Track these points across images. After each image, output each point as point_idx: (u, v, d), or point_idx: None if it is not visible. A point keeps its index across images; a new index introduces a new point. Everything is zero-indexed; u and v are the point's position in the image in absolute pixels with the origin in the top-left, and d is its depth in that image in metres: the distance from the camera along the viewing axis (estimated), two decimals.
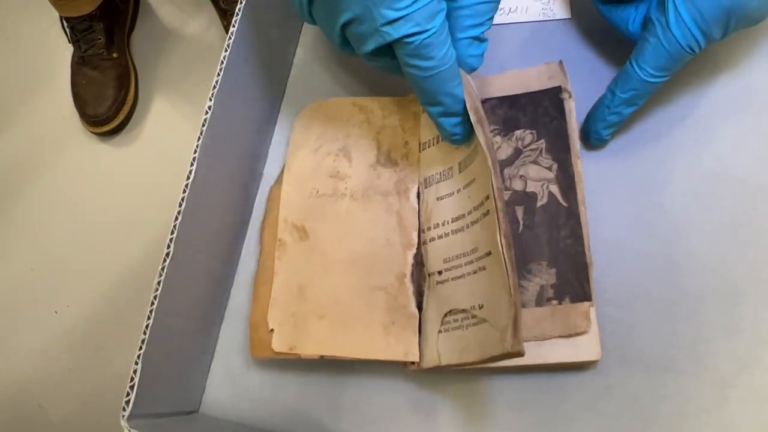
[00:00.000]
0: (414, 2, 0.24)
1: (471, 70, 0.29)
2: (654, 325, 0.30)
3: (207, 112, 0.30)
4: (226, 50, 0.32)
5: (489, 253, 0.27)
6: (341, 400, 0.32)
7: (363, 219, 0.33)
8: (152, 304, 0.27)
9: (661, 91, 0.31)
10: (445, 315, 0.29)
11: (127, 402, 0.25)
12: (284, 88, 0.42)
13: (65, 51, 1.01)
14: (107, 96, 0.95)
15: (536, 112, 0.33)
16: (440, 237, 0.31)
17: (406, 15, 0.24)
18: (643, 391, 0.29)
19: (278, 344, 0.31)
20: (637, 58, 0.30)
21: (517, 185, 0.32)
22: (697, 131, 0.34)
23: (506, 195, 0.32)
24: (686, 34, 0.28)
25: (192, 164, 0.29)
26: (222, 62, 0.31)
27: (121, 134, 0.98)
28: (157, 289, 0.27)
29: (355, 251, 0.32)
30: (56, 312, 0.88)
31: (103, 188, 0.95)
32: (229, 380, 0.34)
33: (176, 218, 0.28)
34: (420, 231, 0.32)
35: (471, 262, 0.28)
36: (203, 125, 0.30)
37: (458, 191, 0.31)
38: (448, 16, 0.27)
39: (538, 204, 0.31)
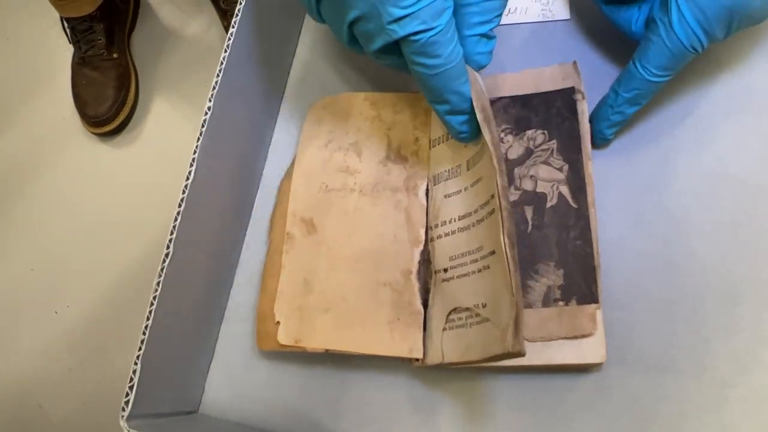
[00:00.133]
0: (420, 0, 0.24)
1: (479, 67, 0.29)
2: (654, 325, 0.30)
3: (206, 113, 0.30)
4: (225, 51, 0.32)
5: (493, 252, 0.27)
6: (341, 400, 0.32)
7: (371, 215, 0.33)
8: (151, 304, 0.27)
9: (662, 91, 0.31)
10: (450, 313, 0.29)
11: (127, 402, 0.26)
12: (284, 88, 0.42)
13: (66, 51, 1.01)
14: (107, 96, 0.95)
15: (549, 112, 0.33)
16: (447, 235, 0.31)
17: (412, 13, 0.24)
18: (643, 391, 0.29)
19: (284, 337, 0.31)
20: (641, 58, 0.30)
21: (527, 185, 0.32)
22: (698, 131, 0.34)
23: (516, 195, 0.32)
24: (689, 34, 0.28)
25: (191, 165, 0.29)
26: (221, 63, 0.31)
27: (122, 135, 0.98)
28: (156, 290, 0.27)
29: (363, 247, 0.32)
30: (56, 312, 0.88)
31: (104, 188, 0.95)
32: (228, 380, 0.34)
33: (175, 219, 0.28)
34: (428, 228, 0.32)
35: (476, 260, 0.28)
36: (202, 126, 0.30)
37: (465, 189, 0.31)
38: (455, 14, 0.27)
39: (548, 205, 0.31)
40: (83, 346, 0.86)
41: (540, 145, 0.32)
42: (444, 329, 0.29)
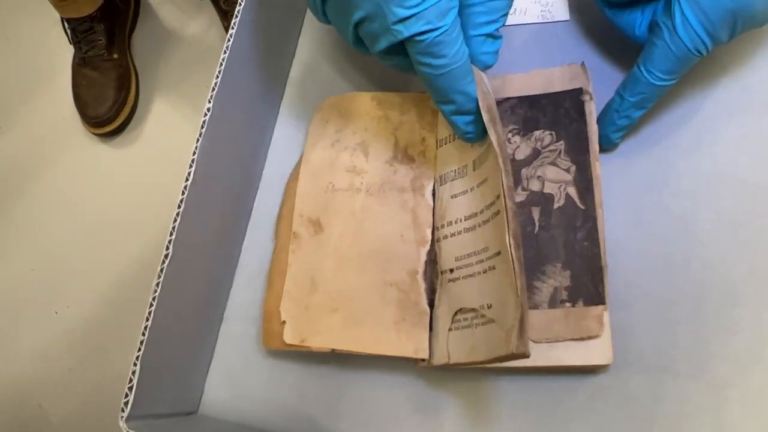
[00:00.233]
0: (425, 0, 0.24)
1: (485, 67, 0.29)
2: (653, 326, 0.30)
3: (206, 114, 0.30)
4: (225, 52, 0.32)
5: (499, 253, 0.27)
6: (342, 400, 0.32)
7: (378, 215, 0.33)
8: (151, 305, 0.27)
9: (665, 93, 0.31)
10: (456, 313, 0.29)
11: (126, 403, 0.26)
12: (283, 89, 0.42)
13: (66, 52, 1.01)
14: (108, 97, 0.95)
15: (556, 113, 0.33)
16: (453, 235, 0.31)
17: (417, 13, 0.24)
18: (642, 392, 0.29)
19: (290, 336, 0.31)
20: (645, 62, 0.30)
21: (535, 186, 0.32)
22: (699, 132, 0.34)
23: (523, 195, 0.32)
24: (693, 37, 0.28)
25: (191, 166, 0.29)
26: (220, 64, 0.31)
27: (122, 135, 0.98)
28: (155, 291, 0.27)
29: (369, 247, 0.32)
30: (56, 312, 0.88)
31: (104, 189, 0.95)
32: (228, 381, 0.34)
33: (175, 220, 0.28)
34: (434, 228, 0.32)
35: (481, 261, 0.28)
36: (202, 127, 0.30)
37: (471, 189, 0.31)
38: (460, 14, 0.27)
39: (555, 205, 0.31)
40: (83, 347, 0.86)
41: (547, 145, 0.32)
42: (450, 330, 0.29)
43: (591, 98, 0.32)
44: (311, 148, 0.36)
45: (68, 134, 1.00)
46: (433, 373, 0.31)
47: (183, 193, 0.29)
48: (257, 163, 0.39)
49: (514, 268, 0.25)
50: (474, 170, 0.31)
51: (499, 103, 0.34)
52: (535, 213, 0.31)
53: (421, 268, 0.31)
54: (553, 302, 0.29)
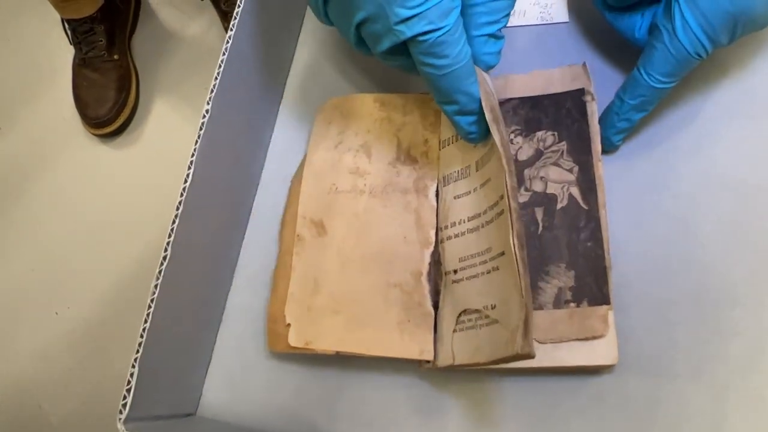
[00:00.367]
0: (427, 0, 0.24)
1: (488, 67, 0.29)
2: (653, 327, 0.30)
3: (204, 116, 0.30)
4: (223, 54, 0.32)
5: (502, 254, 0.27)
6: (342, 402, 0.32)
7: (381, 216, 0.33)
8: (149, 307, 0.27)
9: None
10: (460, 314, 0.29)
11: (124, 405, 0.26)
12: (283, 90, 0.42)
13: (66, 53, 1.01)
14: (108, 98, 0.95)
15: (559, 113, 0.33)
16: (457, 236, 0.31)
17: (420, 13, 0.24)
18: (642, 394, 0.29)
19: (294, 339, 0.31)
20: (645, 65, 0.30)
21: (537, 186, 0.32)
22: (699, 134, 0.34)
23: (526, 196, 0.32)
24: (693, 40, 0.28)
25: (189, 168, 0.29)
26: (219, 66, 0.31)
27: (122, 136, 0.99)
28: (154, 292, 0.27)
29: (373, 248, 0.32)
30: (56, 313, 0.89)
31: (104, 190, 0.95)
32: (227, 383, 0.34)
33: (173, 221, 0.28)
34: (438, 229, 0.32)
35: (485, 261, 0.28)
36: (200, 129, 0.30)
37: (475, 190, 0.31)
38: (462, 14, 0.27)
39: (558, 206, 0.31)
40: (83, 347, 0.86)
41: (550, 146, 0.32)
42: (454, 331, 0.29)
43: (593, 99, 0.32)
44: (314, 150, 0.36)
45: (68, 135, 1.00)
46: (436, 375, 0.31)
47: (181, 194, 0.29)
48: (256, 165, 0.39)
49: (518, 269, 0.25)
50: (477, 171, 0.31)
51: (502, 103, 0.34)
52: (539, 213, 0.31)
53: (425, 270, 0.31)
54: (558, 303, 0.29)
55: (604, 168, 0.31)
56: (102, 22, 0.96)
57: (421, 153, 0.34)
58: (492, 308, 0.27)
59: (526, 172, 0.32)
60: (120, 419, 0.25)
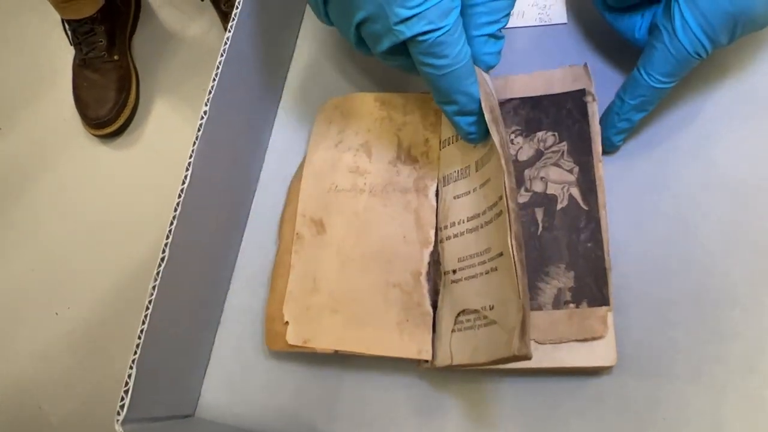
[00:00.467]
0: (426, 0, 0.24)
1: (488, 68, 0.29)
2: (651, 328, 0.30)
3: (202, 117, 0.30)
4: (221, 55, 0.32)
5: (501, 254, 0.27)
6: (341, 402, 0.32)
7: (381, 215, 0.33)
8: (147, 308, 0.27)
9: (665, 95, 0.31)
10: (459, 314, 0.29)
11: (122, 406, 0.26)
12: (281, 90, 0.42)
13: (67, 54, 1.01)
14: (108, 98, 0.95)
15: (559, 114, 0.33)
16: (456, 236, 0.31)
17: (419, 13, 0.24)
18: (641, 395, 0.29)
19: (293, 337, 0.31)
20: (645, 65, 0.30)
21: (538, 187, 0.32)
22: (699, 134, 0.34)
23: (526, 196, 0.32)
24: (693, 40, 0.28)
25: (187, 169, 0.29)
26: (217, 68, 0.32)
27: (122, 136, 0.99)
28: (152, 294, 0.27)
29: (372, 247, 0.32)
30: (57, 313, 0.89)
31: (104, 190, 0.96)
32: (225, 384, 0.34)
33: (171, 223, 0.28)
34: (437, 229, 0.32)
35: (484, 262, 0.28)
36: (198, 130, 0.30)
37: (474, 190, 0.31)
38: (462, 14, 0.27)
39: (558, 206, 0.31)
40: (83, 348, 0.86)
41: (550, 146, 0.32)
42: (453, 331, 0.29)
43: (594, 99, 0.32)
44: (314, 149, 0.36)
45: (69, 135, 1.00)
46: (436, 375, 0.31)
47: (179, 196, 0.29)
48: (255, 165, 0.39)
49: (515, 270, 0.25)
50: (477, 171, 0.31)
51: (502, 104, 0.34)
52: (539, 214, 0.31)
53: (424, 269, 0.31)
54: (557, 303, 0.29)
55: (604, 168, 0.31)
56: (102, 22, 0.96)
57: (422, 153, 0.34)
58: (490, 309, 0.27)
59: (527, 172, 0.32)
60: (118, 420, 0.25)
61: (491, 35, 0.28)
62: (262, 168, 0.39)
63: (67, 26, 0.97)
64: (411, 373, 0.32)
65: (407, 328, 0.30)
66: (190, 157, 0.30)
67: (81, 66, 0.98)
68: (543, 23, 0.39)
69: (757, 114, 0.34)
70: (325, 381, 0.33)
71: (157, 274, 0.28)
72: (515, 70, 0.34)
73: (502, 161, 0.26)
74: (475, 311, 0.28)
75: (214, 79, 0.31)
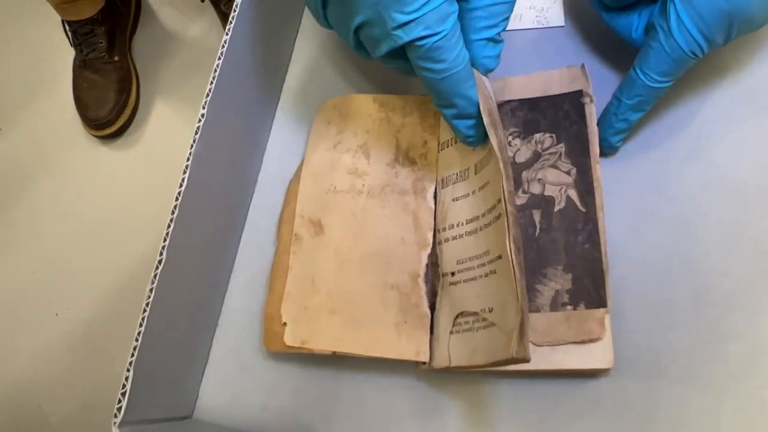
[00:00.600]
0: (424, 5, 0.24)
1: (487, 71, 0.29)
2: (649, 330, 0.30)
3: (200, 120, 0.30)
4: (219, 58, 0.32)
5: (500, 257, 0.27)
6: (339, 404, 0.32)
7: (379, 217, 0.33)
8: (144, 311, 0.27)
9: (662, 95, 0.31)
10: (457, 316, 0.29)
11: (119, 408, 0.26)
12: (280, 92, 0.42)
13: (67, 54, 1.01)
14: (108, 99, 0.95)
15: (557, 115, 0.33)
16: (455, 238, 0.31)
17: (417, 18, 0.25)
18: (640, 396, 0.29)
19: (291, 338, 0.31)
20: (641, 65, 0.30)
21: (535, 189, 0.32)
22: (698, 135, 0.34)
23: (524, 198, 0.32)
24: (688, 40, 0.28)
25: (184, 172, 0.29)
26: (215, 70, 0.32)
27: (122, 137, 0.99)
28: (149, 296, 0.27)
29: (370, 249, 0.32)
30: (57, 314, 0.89)
31: (104, 191, 0.96)
32: (223, 385, 0.34)
33: (168, 225, 0.28)
34: (436, 231, 0.32)
35: (483, 264, 0.28)
36: (196, 133, 0.30)
37: (473, 193, 0.31)
38: (461, 18, 0.27)
39: (556, 208, 0.31)
40: (83, 348, 0.86)
41: (548, 148, 0.32)
42: (451, 333, 0.29)
43: (591, 100, 0.32)
44: (313, 150, 0.36)
45: (69, 136, 1.00)
46: (434, 376, 0.31)
47: (177, 199, 0.29)
48: (253, 167, 0.39)
49: (514, 273, 0.25)
50: (476, 173, 0.31)
51: (500, 105, 0.34)
52: (536, 216, 0.31)
53: (422, 271, 0.31)
54: (555, 305, 0.29)
55: (603, 169, 0.31)
56: (102, 23, 0.96)
57: (420, 154, 0.34)
58: (489, 311, 0.27)
59: (524, 174, 0.32)
60: (115, 423, 0.25)
61: (490, 39, 0.28)
62: (261, 169, 0.39)
63: (67, 27, 0.97)
64: (409, 375, 0.32)
65: (405, 330, 0.30)
66: (188, 160, 0.30)
67: (81, 67, 0.98)
68: (541, 26, 0.39)
69: (757, 114, 0.34)
70: (323, 382, 0.33)
71: (155, 276, 0.28)
72: (513, 72, 0.34)
73: (501, 165, 0.26)
74: (474, 313, 0.28)
75: (212, 82, 0.31)
